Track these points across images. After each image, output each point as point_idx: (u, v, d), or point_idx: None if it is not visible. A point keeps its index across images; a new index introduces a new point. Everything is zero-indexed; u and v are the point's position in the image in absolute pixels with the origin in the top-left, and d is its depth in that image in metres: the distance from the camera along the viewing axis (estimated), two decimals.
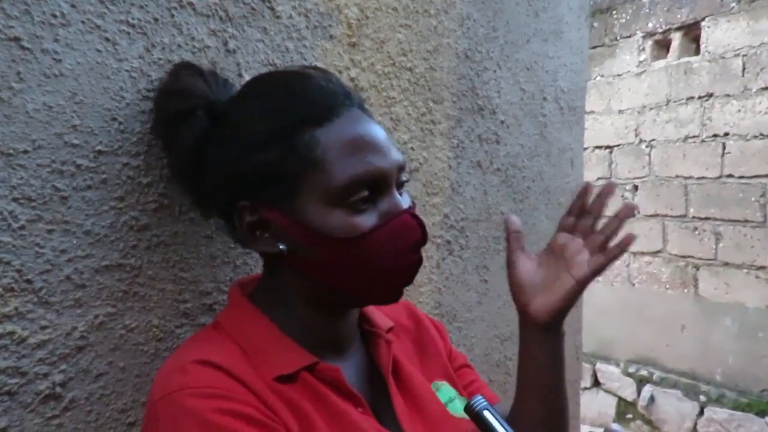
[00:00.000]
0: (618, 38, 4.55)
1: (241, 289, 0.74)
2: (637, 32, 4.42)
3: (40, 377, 0.68)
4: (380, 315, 0.81)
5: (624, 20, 4.52)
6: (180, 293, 0.81)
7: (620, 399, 4.46)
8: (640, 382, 4.34)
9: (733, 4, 3.89)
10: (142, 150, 0.76)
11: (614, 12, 4.58)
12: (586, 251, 0.75)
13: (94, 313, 0.72)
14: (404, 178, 0.70)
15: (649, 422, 4.26)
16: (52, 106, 0.67)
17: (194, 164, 0.72)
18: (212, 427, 0.57)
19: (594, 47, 4.53)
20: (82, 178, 0.70)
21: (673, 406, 4.12)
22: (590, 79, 4.45)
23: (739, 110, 3.86)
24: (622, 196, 4.47)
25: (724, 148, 3.94)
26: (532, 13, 1.46)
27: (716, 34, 3.97)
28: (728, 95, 3.91)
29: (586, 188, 0.78)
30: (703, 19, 4.04)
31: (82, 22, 0.69)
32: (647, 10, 4.35)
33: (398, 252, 0.67)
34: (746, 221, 3.84)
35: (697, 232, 4.09)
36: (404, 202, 0.68)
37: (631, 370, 4.41)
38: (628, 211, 0.75)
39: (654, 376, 4.27)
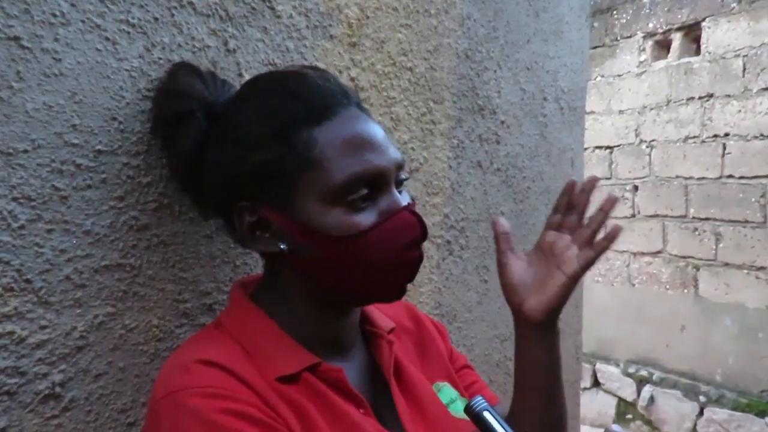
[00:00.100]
0: (618, 38, 4.55)
1: (243, 289, 0.74)
2: (638, 32, 4.42)
3: (40, 377, 0.68)
4: (381, 316, 0.81)
5: (624, 20, 4.52)
6: (180, 293, 0.81)
7: (620, 399, 4.46)
8: (640, 382, 4.34)
9: (734, 4, 3.88)
10: (142, 150, 0.76)
11: (615, 12, 4.58)
12: (574, 247, 0.76)
13: (93, 313, 0.72)
14: (403, 176, 0.70)
15: (648, 422, 4.26)
16: (52, 106, 0.67)
17: (193, 165, 0.72)
18: (215, 427, 0.57)
19: (594, 47, 4.53)
20: (81, 178, 0.70)
21: (672, 406, 4.12)
22: (591, 79, 4.45)
23: (740, 111, 3.86)
24: (623, 196, 4.47)
25: (724, 148, 3.94)
26: (532, 13, 1.46)
27: (717, 35, 3.97)
28: (729, 96, 3.91)
29: (570, 185, 0.79)
30: (704, 20, 4.04)
31: (82, 22, 0.69)
32: (648, 11, 4.35)
33: (398, 249, 0.67)
34: (746, 222, 3.84)
35: (697, 233, 4.09)
36: (403, 199, 0.68)
37: (631, 370, 4.41)
38: (611, 204, 0.76)
39: (654, 377, 4.27)
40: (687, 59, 4.15)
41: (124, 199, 0.74)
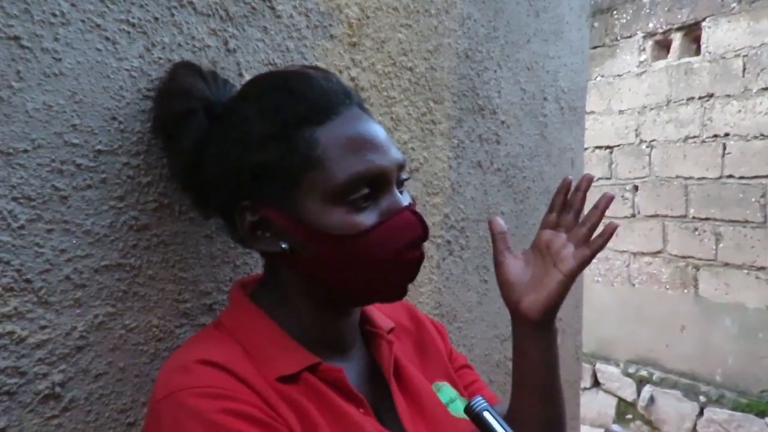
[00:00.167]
0: (618, 38, 4.55)
1: (243, 289, 0.74)
2: (638, 32, 4.42)
3: (40, 377, 0.68)
4: (381, 316, 0.81)
5: (624, 20, 4.52)
6: (180, 293, 0.81)
7: (620, 399, 4.46)
8: (640, 382, 4.34)
9: (734, 4, 3.88)
10: (142, 149, 0.76)
11: (615, 12, 4.58)
12: (571, 245, 0.77)
13: (93, 313, 0.72)
14: (404, 177, 0.70)
15: (648, 423, 4.26)
16: (52, 106, 0.67)
17: (194, 164, 0.72)
18: (215, 427, 0.57)
19: (594, 47, 4.53)
20: (81, 178, 0.70)
21: (672, 406, 4.12)
22: (591, 79, 4.45)
23: (740, 111, 3.86)
24: (623, 196, 4.47)
25: (724, 148, 3.94)
26: (532, 13, 1.46)
27: (717, 35, 3.97)
28: (729, 96, 3.91)
29: (566, 184, 0.80)
30: (704, 20, 4.04)
31: (82, 21, 0.69)
32: (648, 11, 4.35)
33: (399, 249, 0.67)
34: (746, 222, 3.84)
35: (697, 233, 4.09)
36: (404, 199, 0.69)
37: (631, 370, 4.41)
38: (607, 202, 0.76)
39: (654, 377, 4.27)
40: (687, 59, 4.15)
41: (124, 198, 0.74)
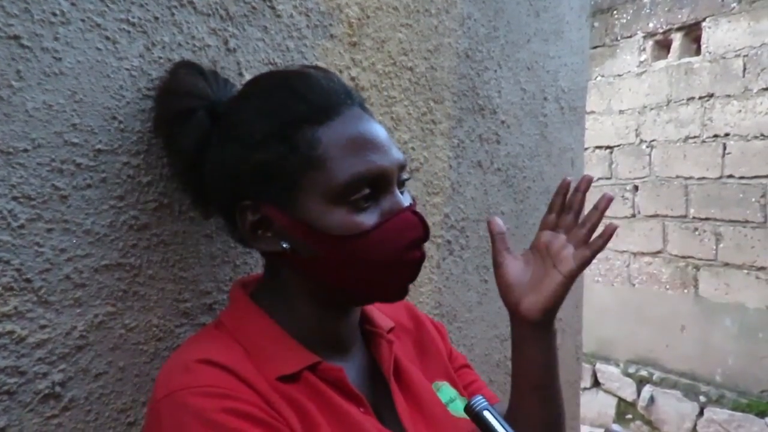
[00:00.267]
0: (619, 38, 4.55)
1: (243, 288, 0.74)
2: (638, 32, 4.42)
3: (40, 376, 0.68)
4: (381, 315, 0.81)
5: (625, 20, 4.52)
6: (180, 293, 0.81)
7: (620, 399, 4.46)
8: (640, 382, 4.34)
9: (734, 4, 3.88)
10: (142, 149, 0.76)
11: (615, 12, 4.58)
12: (570, 246, 0.77)
13: (93, 313, 0.72)
14: (405, 177, 0.70)
15: (648, 423, 4.26)
16: (52, 105, 0.67)
17: (195, 164, 0.72)
18: (216, 426, 0.57)
19: (595, 47, 4.53)
20: (81, 177, 0.70)
21: (672, 406, 4.12)
22: (591, 79, 4.45)
23: (740, 111, 3.86)
24: (623, 196, 4.47)
25: (724, 148, 3.94)
26: (533, 12, 1.46)
27: (717, 35, 3.97)
28: (729, 96, 3.91)
29: (564, 185, 0.80)
30: (704, 20, 4.04)
31: (82, 21, 0.69)
32: (648, 11, 4.35)
33: (400, 249, 0.67)
34: (746, 222, 3.84)
35: (697, 233, 4.09)
36: (405, 200, 0.69)
37: (631, 370, 4.41)
38: (606, 202, 0.76)
39: (654, 377, 4.27)
40: (687, 59, 4.15)
41: (124, 198, 0.74)
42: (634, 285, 4.47)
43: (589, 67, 2.15)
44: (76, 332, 0.71)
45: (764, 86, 3.74)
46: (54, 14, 0.67)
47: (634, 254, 4.45)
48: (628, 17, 4.49)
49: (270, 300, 0.71)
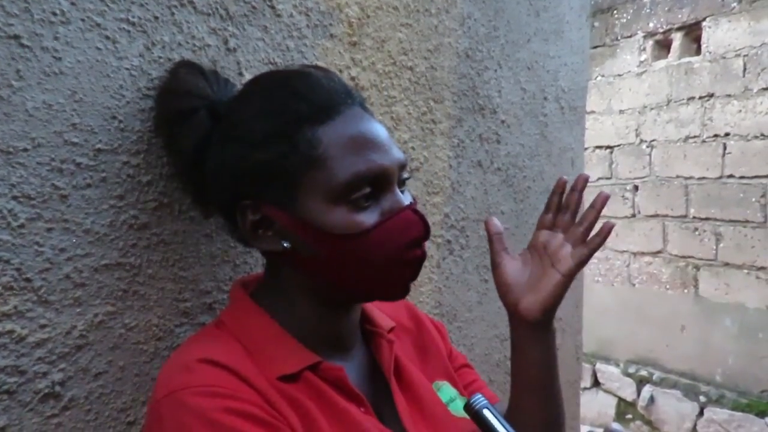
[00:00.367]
0: (619, 38, 4.55)
1: (244, 288, 0.74)
2: (638, 32, 4.42)
3: (40, 376, 0.68)
4: (381, 315, 0.81)
5: (625, 20, 4.52)
6: (180, 292, 0.81)
7: (620, 399, 4.46)
8: (640, 382, 4.34)
9: (734, 4, 3.88)
10: (142, 148, 0.76)
11: (615, 12, 4.58)
12: (568, 245, 0.77)
13: (93, 312, 0.72)
14: (406, 176, 0.71)
15: (648, 423, 4.26)
16: (52, 105, 0.67)
17: (196, 163, 0.72)
18: (217, 426, 0.57)
19: (595, 47, 4.53)
20: (81, 177, 0.70)
21: (672, 406, 4.12)
22: (591, 78, 4.45)
23: (740, 110, 3.86)
24: (623, 196, 4.47)
25: (724, 148, 3.94)
26: (533, 12, 1.46)
27: (717, 34, 3.97)
28: (729, 95, 3.91)
29: (561, 184, 0.80)
30: (704, 19, 4.04)
31: (82, 20, 0.69)
32: (648, 10, 4.35)
33: (401, 248, 0.67)
34: (747, 222, 3.84)
35: (697, 233, 4.09)
36: (406, 199, 0.69)
37: (631, 370, 4.41)
38: (602, 201, 0.77)
39: (654, 377, 4.27)
40: (687, 59, 4.15)
41: (124, 197, 0.74)
42: (634, 285, 4.47)
43: (589, 66, 2.14)
44: (75, 332, 0.71)
45: (764, 86, 3.74)
46: (54, 14, 0.67)
47: (634, 254, 4.45)
48: (628, 17, 4.49)
49: (270, 299, 0.71)
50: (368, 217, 0.65)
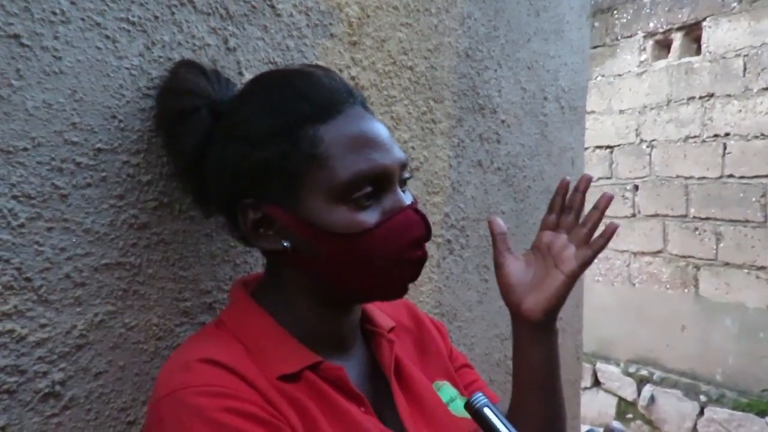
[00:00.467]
0: (619, 38, 4.55)
1: (244, 287, 0.74)
2: (638, 32, 4.42)
3: (40, 375, 0.68)
4: (382, 315, 0.81)
5: (625, 20, 4.52)
6: (180, 292, 0.81)
7: (620, 399, 4.46)
8: (641, 381, 4.34)
9: (735, 4, 3.88)
10: (142, 148, 0.76)
11: (615, 12, 4.58)
12: (572, 246, 0.77)
13: (93, 312, 0.72)
14: (407, 176, 0.70)
15: (649, 422, 4.26)
16: (52, 104, 0.67)
17: (197, 162, 0.72)
18: (218, 426, 0.57)
19: (595, 47, 4.53)
20: (81, 176, 0.70)
21: (673, 406, 4.12)
22: (591, 78, 4.45)
23: (740, 110, 3.85)
24: (623, 196, 4.47)
25: (724, 148, 3.94)
26: (533, 12, 1.46)
27: (717, 34, 3.97)
28: (729, 95, 3.91)
29: (563, 185, 0.80)
30: (704, 19, 4.04)
31: (82, 20, 0.69)
32: (648, 10, 4.35)
33: (402, 248, 0.67)
34: (747, 221, 3.84)
35: (697, 232, 4.09)
36: (407, 199, 0.69)
37: (632, 370, 4.41)
38: (606, 202, 0.76)
39: (654, 376, 4.26)
40: (687, 59, 4.15)
41: (124, 197, 0.74)
42: (634, 285, 4.47)
43: (590, 66, 2.14)
44: (76, 331, 0.71)
45: (764, 86, 3.74)
46: (54, 13, 0.67)
47: (635, 254, 4.45)
48: (629, 17, 4.49)
49: (271, 299, 0.71)
50: (369, 217, 0.65)
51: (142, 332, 0.77)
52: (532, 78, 1.48)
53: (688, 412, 4.03)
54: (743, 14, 3.85)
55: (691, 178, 4.11)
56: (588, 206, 0.79)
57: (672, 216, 4.22)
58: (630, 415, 4.38)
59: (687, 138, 4.13)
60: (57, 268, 0.69)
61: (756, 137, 3.78)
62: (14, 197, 0.65)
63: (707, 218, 4.03)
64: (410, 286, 0.71)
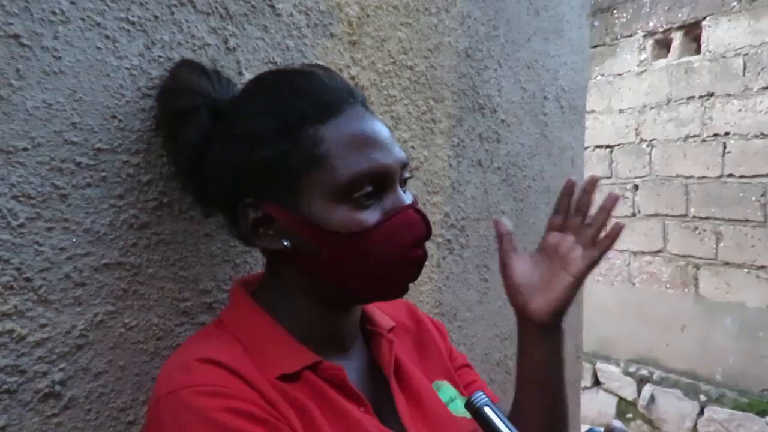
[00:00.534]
0: (619, 37, 4.55)
1: (244, 287, 0.74)
2: (638, 31, 4.42)
3: (40, 375, 0.68)
4: (382, 315, 0.81)
5: (625, 19, 4.52)
6: (180, 292, 0.81)
7: (620, 398, 4.46)
8: (641, 381, 4.34)
9: (734, 3, 3.88)
10: (142, 148, 0.76)
11: (615, 11, 4.58)
12: (578, 247, 0.76)
13: (93, 312, 0.72)
14: (407, 176, 0.70)
15: (649, 422, 4.26)
16: (52, 104, 0.67)
17: (197, 161, 0.72)
18: (217, 425, 0.57)
19: (595, 46, 4.53)
20: (81, 176, 0.70)
21: (673, 405, 4.12)
22: (591, 78, 4.44)
23: (740, 110, 3.85)
24: (623, 195, 4.47)
25: (724, 147, 3.94)
26: (533, 11, 1.46)
27: (717, 34, 3.97)
28: (729, 95, 3.91)
29: (569, 185, 0.79)
30: (704, 19, 4.04)
31: (82, 20, 0.69)
32: (648, 10, 4.35)
33: (402, 247, 0.67)
34: (747, 221, 3.84)
35: (697, 232, 4.09)
36: (407, 198, 0.69)
37: (632, 369, 4.41)
38: (612, 202, 0.76)
39: (654, 376, 4.27)
40: (687, 58, 4.15)
41: (123, 197, 0.74)
42: (634, 284, 4.47)
43: (589, 66, 2.15)
44: (76, 331, 0.71)
45: (764, 85, 3.74)
46: (54, 13, 0.67)
47: (635, 253, 4.45)
48: (628, 16, 4.49)
49: (271, 299, 0.71)
50: (370, 216, 0.65)
51: (142, 332, 0.77)
52: (532, 77, 1.48)
53: (688, 411, 4.03)
54: (743, 13, 3.85)
55: (691, 177, 4.11)
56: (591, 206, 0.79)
57: (672, 215, 4.22)
58: (630, 415, 4.38)
59: (687, 137, 4.13)
60: (57, 268, 0.69)
61: (756, 136, 3.78)
62: (14, 197, 0.65)
63: (707, 218, 4.03)
64: (410, 285, 0.71)
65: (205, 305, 0.84)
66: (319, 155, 0.64)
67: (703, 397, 3.98)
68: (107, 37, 0.71)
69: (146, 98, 0.75)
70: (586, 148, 2.11)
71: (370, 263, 0.66)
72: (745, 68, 3.83)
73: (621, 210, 4.44)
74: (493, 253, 1.37)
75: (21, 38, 0.64)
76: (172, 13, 0.78)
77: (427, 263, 1.18)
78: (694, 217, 4.10)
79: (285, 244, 0.67)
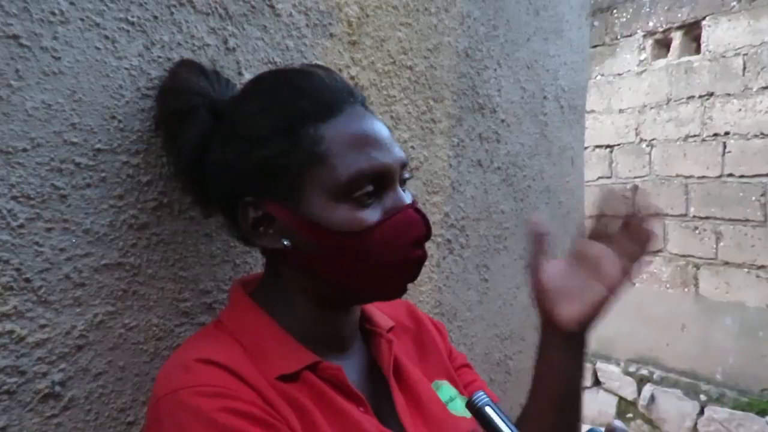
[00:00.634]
0: (618, 37, 4.55)
1: (244, 287, 0.74)
2: (638, 31, 4.42)
3: (40, 376, 0.68)
4: (381, 315, 0.80)
5: (624, 19, 4.52)
6: (180, 292, 0.81)
7: (620, 398, 4.46)
8: (641, 381, 4.34)
9: (734, 3, 3.88)
10: (142, 148, 0.76)
11: (615, 11, 4.58)
12: (616, 258, 0.70)
13: (93, 312, 0.72)
14: (407, 175, 0.70)
15: (649, 421, 4.26)
16: (51, 104, 0.67)
17: (197, 161, 0.72)
18: (217, 426, 0.57)
19: (594, 46, 4.53)
20: (81, 177, 0.70)
21: (673, 405, 4.12)
22: (591, 78, 4.44)
23: (740, 109, 3.85)
24: (623, 195, 4.46)
25: (724, 147, 3.94)
26: (532, 11, 1.46)
27: (717, 33, 3.97)
28: (729, 94, 3.91)
29: (610, 195, 0.74)
30: (704, 18, 4.04)
31: (81, 20, 0.69)
32: (648, 9, 4.35)
33: (402, 247, 0.67)
34: (747, 220, 3.84)
35: (697, 232, 4.09)
36: (407, 198, 0.69)
37: (632, 369, 4.41)
38: (653, 214, 0.71)
39: (654, 376, 4.26)
40: (687, 58, 4.15)
41: (123, 197, 0.74)
42: (634, 284, 4.47)
43: (589, 65, 2.14)
44: (75, 332, 0.71)
45: (764, 85, 3.74)
46: (53, 13, 0.67)
47: None
48: (628, 16, 4.49)
49: (270, 299, 0.71)
50: (370, 215, 0.65)
51: (142, 333, 0.77)
52: (532, 77, 1.48)
53: (689, 411, 4.03)
54: (743, 13, 3.85)
55: (690, 177, 4.11)
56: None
57: (672, 215, 4.22)
58: (630, 415, 4.38)
59: (687, 137, 4.13)
60: (56, 269, 0.69)
61: (756, 136, 3.78)
62: (14, 198, 0.65)
63: (707, 217, 4.03)
64: (410, 285, 0.71)
65: (204, 305, 0.84)
66: (319, 154, 0.64)
67: (703, 397, 3.98)
68: (107, 37, 0.71)
69: (146, 98, 0.75)
70: (586, 147, 2.11)
71: (370, 262, 0.66)
72: (744, 68, 3.83)
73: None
74: (493, 253, 1.37)
75: (20, 39, 0.64)
76: (172, 14, 0.78)
77: (427, 263, 1.18)
78: (694, 216, 4.10)
79: (285, 243, 0.67)
